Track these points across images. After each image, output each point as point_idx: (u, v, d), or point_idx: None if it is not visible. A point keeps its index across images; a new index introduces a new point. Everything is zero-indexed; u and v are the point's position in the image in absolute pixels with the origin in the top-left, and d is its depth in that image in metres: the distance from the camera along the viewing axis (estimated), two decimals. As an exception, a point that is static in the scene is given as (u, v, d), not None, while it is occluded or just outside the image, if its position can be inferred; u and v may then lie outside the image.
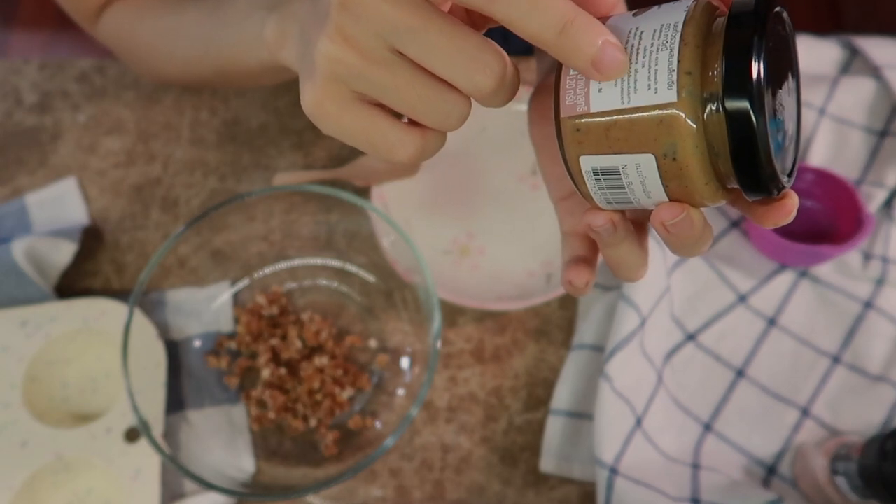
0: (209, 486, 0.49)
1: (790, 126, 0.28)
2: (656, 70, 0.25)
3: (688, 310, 0.60)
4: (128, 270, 0.63)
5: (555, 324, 0.61)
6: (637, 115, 0.25)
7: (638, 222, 0.33)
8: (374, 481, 0.56)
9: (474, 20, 0.31)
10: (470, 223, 0.64)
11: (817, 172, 0.62)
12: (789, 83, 0.27)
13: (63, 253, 0.60)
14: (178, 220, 0.65)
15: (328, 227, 0.61)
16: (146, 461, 0.53)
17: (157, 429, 0.52)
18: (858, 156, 0.66)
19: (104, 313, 0.58)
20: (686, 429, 0.57)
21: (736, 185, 0.27)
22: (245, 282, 0.61)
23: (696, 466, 0.55)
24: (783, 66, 0.27)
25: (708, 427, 0.57)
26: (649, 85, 0.25)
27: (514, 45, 0.82)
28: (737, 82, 0.24)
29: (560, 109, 0.27)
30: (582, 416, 0.57)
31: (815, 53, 0.70)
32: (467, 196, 0.65)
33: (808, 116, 0.66)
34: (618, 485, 0.51)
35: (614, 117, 0.26)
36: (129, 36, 0.58)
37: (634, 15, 0.27)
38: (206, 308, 0.60)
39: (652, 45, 0.25)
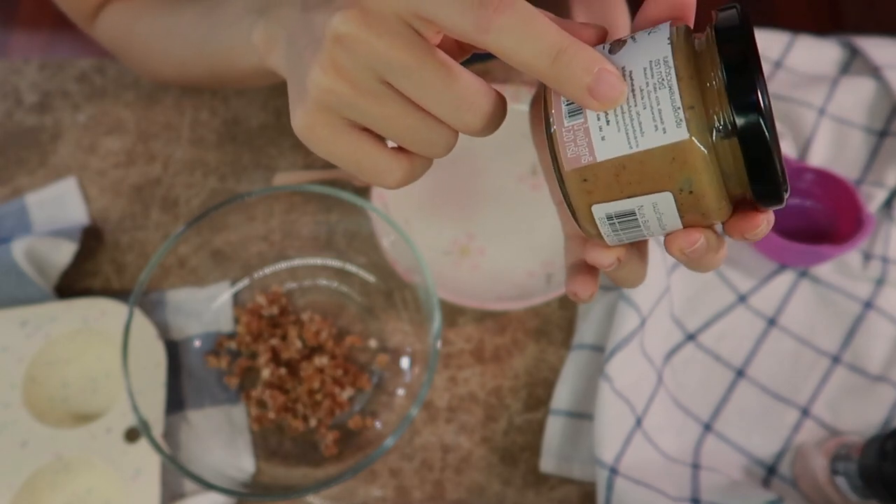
0: (209, 486, 0.49)
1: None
2: (660, 110, 0.25)
3: (688, 310, 0.60)
4: (128, 270, 0.63)
5: (555, 324, 0.61)
6: (647, 156, 0.25)
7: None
8: (374, 481, 0.56)
9: (464, 46, 0.31)
10: (470, 223, 0.64)
11: (817, 172, 0.62)
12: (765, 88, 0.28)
13: (63, 253, 0.60)
14: (178, 220, 0.65)
15: (328, 227, 0.61)
16: (146, 461, 0.53)
17: (157, 429, 0.52)
18: (858, 156, 0.66)
19: (104, 313, 0.58)
20: (686, 429, 0.57)
21: (740, 198, 0.27)
22: (245, 282, 0.61)
23: (696, 466, 0.55)
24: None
25: (708, 427, 0.57)
26: (656, 126, 0.25)
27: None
28: (745, 106, 0.24)
29: (562, 163, 0.26)
30: (582, 416, 0.57)
31: (815, 53, 0.70)
32: (467, 196, 0.65)
33: (808, 116, 0.66)
34: (618, 485, 0.51)
35: (623, 162, 0.25)
36: (125, 36, 0.58)
37: (611, 52, 0.26)
38: (206, 308, 0.60)
39: (647, 84, 0.25)
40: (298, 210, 0.60)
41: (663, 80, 0.25)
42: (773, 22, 1.66)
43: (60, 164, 0.67)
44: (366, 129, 0.30)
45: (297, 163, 0.67)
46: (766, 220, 0.27)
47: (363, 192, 0.64)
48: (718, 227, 0.29)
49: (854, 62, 0.70)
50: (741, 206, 0.28)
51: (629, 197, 0.26)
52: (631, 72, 0.25)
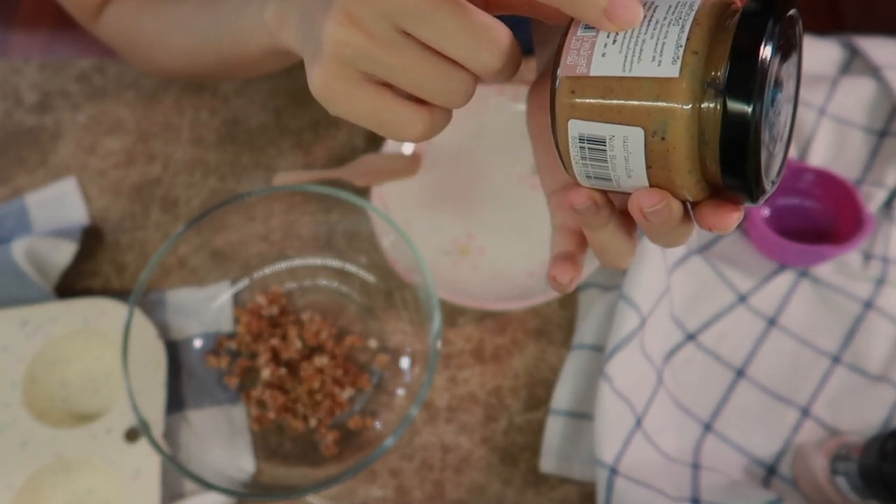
0: (209, 486, 0.49)
1: (784, 132, 0.27)
2: (664, 43, 0.24)
3: (688, 310, 0.60)
4: (128, 270, 0.63)
5: (555, 324, 0.61)
6: (635, 85, 0.25)
7: (624, 210, 0.33)
8: (374, 481, 0.56)
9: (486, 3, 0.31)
10: (470, 223, 0.64)
11: (817, 172, 0.62)
12: (790, 89, 0.27)
13: (63, 253, 0.60)
14: (178, 220, 0.65)
15: (328, 227, 0.61)
16: (146, 461, 0.53)
17: (157, 429, 0.52)
18: (858, 156, 0.66)
19: (104, 313, 0.58)
20: (686, 429, 0.57)
21: (717, 184, 0.26)
22: (245, 282, 0.61)
23: (696, 466, 0.55)
24: (787, 72, 0.26)
25: (708, 427, 0.57)
26: (654, 56, 0.25)
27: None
28: (741, 82, 0.23)
29: (559, 69, 0.27)
30: (582, 416, 0.57)
31: (815, 53, 0.70)
32: (467, 196, 0.65)
33: (808, 116, 0.66)
34: (618, 485, 0.51)
35: (612, 84, 0.25)
36: (129, 32, 0.58)
37: None
38: (206, 308, 0.60)
39: (664, 18, 0.25)
40: (298, 210, 0.60)
41: (680, 18, 0.25)
42: (773, 22, 1.66)
43: (60, 164, 0.67)
44: (384, 84, 0.30)
45: (297, 163, 0.67)
46: (736, 218, 0.27)
47: (363, 192, 0.64)
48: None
49: (854, 62, 0.70)
50: (717, 195, 0.27)
51: (605, 122, 0.26)
52: (656, 6, 0.25)
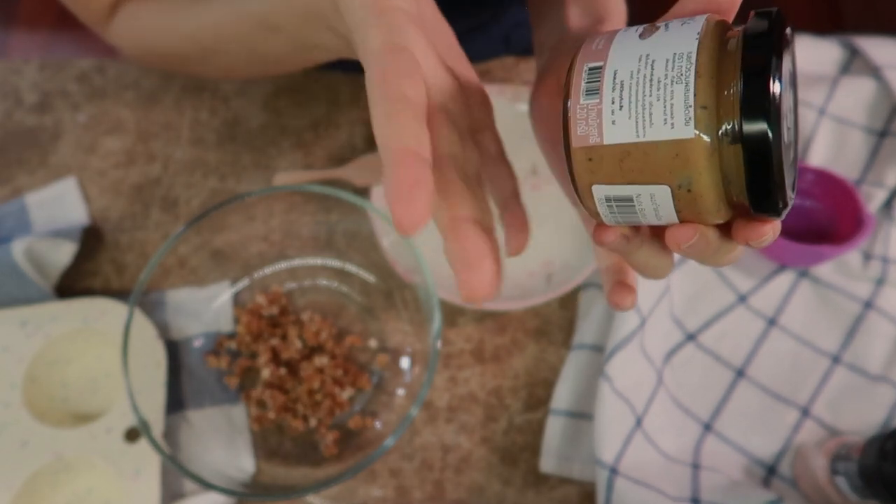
0: (209, 486, 0.49)
1: (792, 141, 0.27)
2: (672, 104, 0.25)
3: (688, 310, 0.60)
4: (128, 270, 0.63)
5: (555, 324, 0.61)
6: (652, 148, 0.25)
7: (655, 229, 0.33)
8: (374, 481, 0.56)
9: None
10: (470, 223, 0.64)
11: (817, 172, 0.62)
12: (792, 103, 0.27)
13: (63, 253, 0.60)
14: (178, 220, 0.65)
15: (328, 227, 0.61)
16: (146, 461, 0.53)
17: (157, 429, 0.52)
18: (858, 156, 0.66)
19: (104, 313, 0.58)
20: (686, 429, 0.57)
21: (739, 203, 0.27)
22: (245, 282, 0.61)
23: (696, 466, 0.55)
24: (790, 90, 0.26)
25: (708, 427, 0.57)
26: (665, 119, 0.25)
27: (515, 45, 0.82)
28: (756, 127, 0.24)
29: (571, 139, 0.27)
30: (582, 416, 0.57)
31: (815, 53, 0.70)
32: (467, 196, 0.65)
33: (808, 116, 0.66)
34: (618, 485, 0.51)
35: (628, 149, 0.26)
36: (153, 45, 0.56)
37: (641, 37, 0.26)
38: (206, 308, 0.60)
39: (666, 76, 0.25)
40: (298, 210, 0.60)
41: (682, 74, 0.25)
42: (773, 22, 1.66)
43: (60, 164, 0.67)
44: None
45: (297, 163, 0.67)
46: (772, 230, 0.27)
47: (363, 192, 0.64)
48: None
49: (854, 62, 0.70)
50: (742, 212, 0.28)
51: (629, 184, 0.26)
52: (654, 61, 0.25)
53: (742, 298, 0.61)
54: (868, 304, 0.60)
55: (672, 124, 0.25)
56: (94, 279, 0.63)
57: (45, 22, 1.74)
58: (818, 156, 0.65)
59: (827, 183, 0.62)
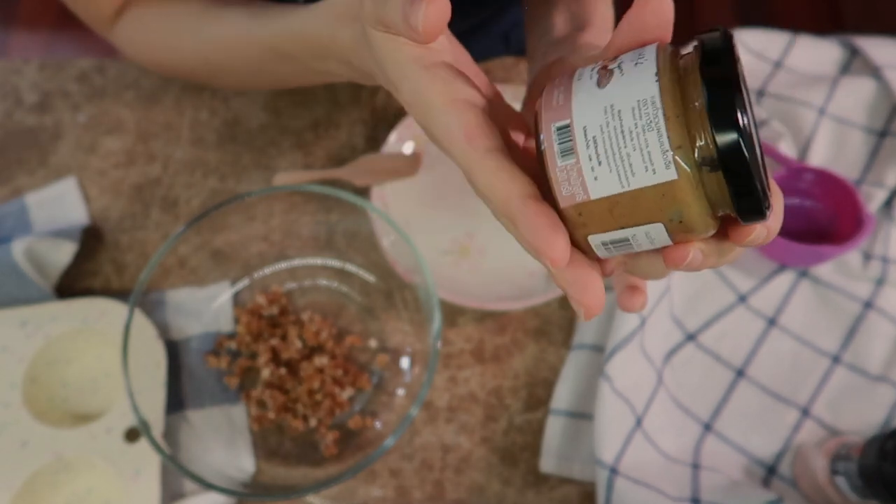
0: (209, 486, 0.49)
1: (759, 146, 0.28)
2: (649, 152, 0.25)
3: (688, 310, 0.60)
4: (128, 270, 0.63)
5: (555, 324, 0.61)
6: (639, 194, 0.26)
7: None
8: (374, 481, 0.56)
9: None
10: (470, 223, 0.64)
11: (817, 172, 0.62)
12: (750, 106, 0.28)
13: (63, 253, 0.60)
14: (178, 220, 0.65)
15: (328, 227, 0.61)
16: (146, 461, 0.53)
17: (157, 429, 0.52)
18: (858, 156, 0.66)
19: (104, 313, 0.58)
20: (686, 429, 0.57)
21: (728, 214, 0.27)
22: (245, 282, 0.61)
23: (696, 466, 0.55)
24: (746, 97, 0.27)
25: (708, 427, 0.57)
26: (646, 167, 0.25)
27: (514, 45, 0.82)
28: (731, 150, 0.24)
29: (559, 200, 0.27)
30: (582, 416, 0.57)
31: (815, 53, 0.70)
32: (467, 196, 0.65)
33: (808, 116, 0.66)
34: (618, 485, 0.51)
35: (615, 199, 0.26)
36: (160, 57, 0.56)
37: (599, 85, 0.27)
38: (206, 308, 0.60)
39: (636, 125, 0.25)
40: (298, 210, 0.60)
41: (651, 121, 0.25)
42: (773, 22, 1.66)
43: (60, 164, 0.67)
44: None
45: (297, 163, 0.67)
46: (764, 228, 0.28)
47: (363, 192, 0.64)
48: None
49: (854, 62, 0.70)
50: (732, 219, 0.28)
51: (623, 228, 0.27)
52: (619, 111, 0.26)
53: (742, 298, 0.61)
54: (868, 304, 0.60)
55: (654, 170, 0.25)
56: (94, 279, 0.63)
57: (45, 22, 1.74)
58: (818, 156, 0.65)
59: (827, 183, 0.62)
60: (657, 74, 0.26)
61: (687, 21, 1.72)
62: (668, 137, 0.25)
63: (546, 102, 0.28)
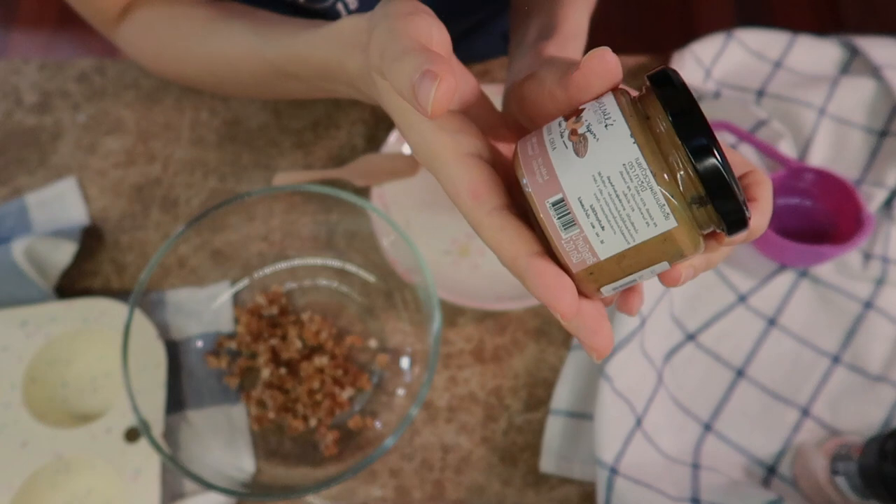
0: (209, 486, 0.49)
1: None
2: (647, 209, 0.27)
3: (688, 310, 0.60)
4: (128, 270, 0.63)
5: (555, 324, 0.61)
6: (644, 246, 0.28)
7: None
8: (374, 481, 0.56)
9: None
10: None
11: (817, 172, 0.62)
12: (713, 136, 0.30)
13: (63, 253, 0.60)
14: (178, 220, 0.65)
15: (328, 227, 0.61)
16: (146, 461, 0.53)
17: (157, 429, 0.52)
18: (858, 156, 0.66)
19: (104, 313, 0.58)
20: (686, 429, 0.57)
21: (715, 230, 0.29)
22: (245, 282, 0.61)
23: (696, 466, 0.55)
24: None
25: (708, 427, 0.57)
26: (647, 223, 0.27)
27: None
28: (717, 184, 0.26)
29: (570, 267, 0.29)
30: (582, 416, 0.57)
31: (815, 53, 0.70)
32: (467, 196, 0.65)
33: (808, 116, 0.66)
34: (618, 485, 0.51)
35: (623, 254, 0.28)
36: (166, 66, 0.55)
37: (578, 154, 0.28)
38: (206, 308, 0.60)
39: (629, 188, 0.27)
40: (298, 210, 0.60)
41: (642, 182, 0.27)
42: (773, 22, 1.66)
43: (60, 164, 0.67)
44: None
45: (297, 163, 0.67)
46: (746, 231, 0.29)
47: (363, 192, 0.64)
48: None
49: (854, 62, 0.70)
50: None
51: (631, 274, 0.29)
52: (608, 177, 0.27)
53: (742, 298, 0.61)
54: (868, 304, 0.60)
55: (654, 223, 0.27)
56: (94, 279, 0.63)
57: (45, 22, 1.74)
58: (818, 156, 0.65)
59: (827, 183, 0.62)
60: (631, 135, 0.27)
61: (687, 21, 1.72)
62: (662, 192, 0.27)
63: (528, 172, 0.29)
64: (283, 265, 0.62)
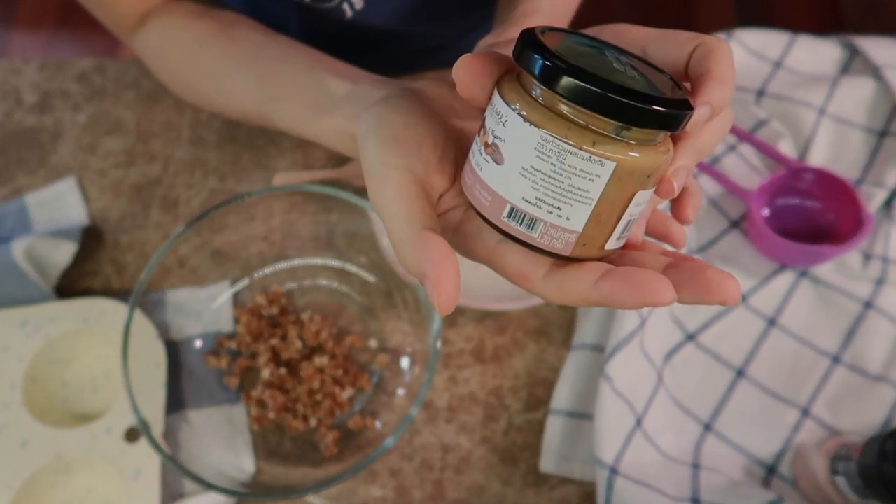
0: (209, 486, 0.49)
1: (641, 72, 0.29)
2: (582, 169, 0.27)
3: (688, 310, 0.60)
4: (128, 270, 0.63)
5: (555, 324, 0.61)
6: (605, 195, 0.28)
7: None
8: (374, 481, 0.56)
9: None
10: (470, 223, 0.64)
11: (817, 172, 0.62)
12: (619, 57, 0.29)
13: (63, 253, 0.60)
14: (178, 220, 0.65)
15: (328, 227, 0.61)
16: (146, 461, 0.53)
17: (157, 429, 0.52)
18: (858, 156, 0.66)
19: (104, 313, 0.58)
20: (686, 429, 0.57)
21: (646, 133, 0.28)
22: (245, 282, 0.61)
23: (696, 466, 0.55)
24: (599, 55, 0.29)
25: (708, 427, 0.57)
26: (591, 179, 0.27)
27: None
28: (617, 111, 0.26)
29: (563, 252, 0.29)
30: (582, 416, 0.57)
31: (815, 53, 0.70)
32: (467, 196, 0.65)
33: (808, 116, 0.66)
34: (618, 485, 0.51)
35: (596, 213, 0.28)
36: (181, 92, 0.56)
37: (498, 162, 0.28)
38: (206, 308, 0.60)
39: (554, 165, 0.27)
40: (298, 210, 0.60)
41: (560, 152, 0.27)
42: (773, 22, 1.66)
43: (60, 164, 0.67)
44: None
45: (297, 163, 0.67)
46: (704, 105, 0.28)
47: (363, 192, 0.64)
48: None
49: (854, 62, 0.70)
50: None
51: (618, 220, 0.29)
52: (532, 165, 0.27)
53: (742, 298, 0.61)
54: (868, 304, 0.60)
55: (597, 175, 0.27)
56: (94, 279, 0.63)
57: (45, 22, 1.74)
58: (818, 156, 0.65)
59: (827, 183, 0.62)
60: (525, 121, 0.27)
61: (687, 21, 1.72)
62: (580, 147, 0.27)
63: (474, 201, 0.30)
64: (283, 265, 0.62)
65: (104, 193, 0.66)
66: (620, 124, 0.26)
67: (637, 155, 0.27)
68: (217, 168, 0.67)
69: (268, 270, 0.62)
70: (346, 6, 0.60)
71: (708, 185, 0.65)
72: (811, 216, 0.63)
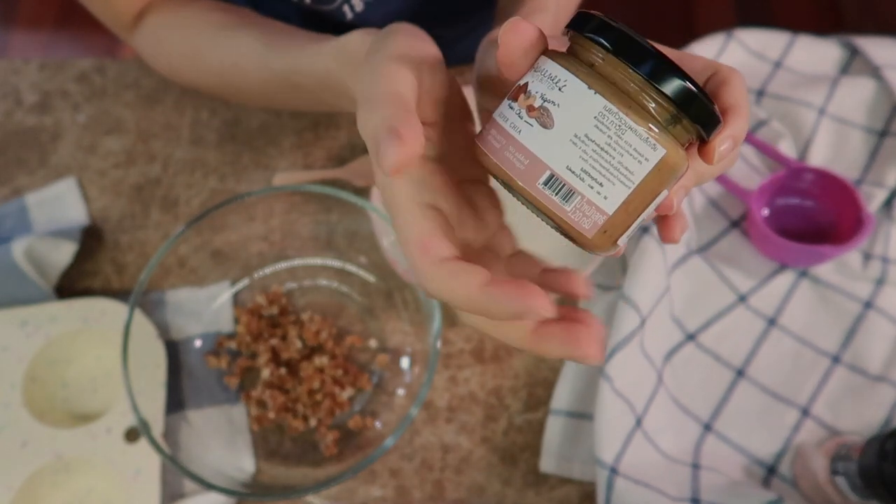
0: (209, 486, 0.49)
1: None
2: (635, 148, 0.27)
3: (688, 310, 0.60)
4: (128, 270, 0.63)
5: (555, 324, 0.61)
6: (643, 183, 0.28)
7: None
8: (374, 481, 0.56)
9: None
10: (470, 223, 0.64)
11: (817, 172, 0.62)
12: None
13: (63, 253, 0.60)
14: (178, 220, 0.65)
15: (328, 227, 0.61)
16: (146, 461, 0.53)
17: (157, 429, 0.52)
18: (858, 156, 0.66)
19: (104, 313, 0.58)
20: (686, 429, 0.57)
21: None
22: (245, 282, 0.61)
23: (696, 466, 0.55)
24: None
25: (708, 427, 0.57)
26: (640, 161, 0.27)
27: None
28: (680, 93, 0.27)
29: (586, 236, 0.29)
30: (582, 416, 0.57)
31: (815, 53, 0.70)
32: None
33: (808, 116, 0.66)
34: (618, 485, 0.51)
35: (628, 200, 0.28)
36: (178, 72, 0.56)
37: (546, 126, 0.28)
38: (206, 308, 0.60)
39: (609, 137, 0.27)
40: (298, 210, 0.60)
41: (620, 126, 0.27)
42: (773, 22, 1.66)
43: (60, 164, 0.67)
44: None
45: (297, 163, 0.67)
46: (729, 137, 0.29)
47: (363, 192, 0.64)
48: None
49: (854, 62, 0.70)
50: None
51: (638, 216, 0.29)
52: (586, 134, 0.27)
53: (742, 298, 0.61)
54: (868, 304, 0.60)
55: (646, 159, 0.27)
56: (94, 279, 0.63)
57: (45, 22, 1.74)
58: (818, 156, 0.65)
59: (827, 183, 0.62)
60: (589, 88, 0.27)
61: (687, 21, 1.72)
62: (640, 126, 0.27)
63: (504, 163, 0.29)
64: (283, 265, 0.62)
65: (104, 193, 0.66)
66: (677, 114, 0.27)
67: (677, 150, 0.28)
68: (217, 168, 0.67)
69: (268, 270, 0.62)
70: (346, 8, 0.60)
71: (708, 185, 0.65)
72: (811, 216, 0.63)
